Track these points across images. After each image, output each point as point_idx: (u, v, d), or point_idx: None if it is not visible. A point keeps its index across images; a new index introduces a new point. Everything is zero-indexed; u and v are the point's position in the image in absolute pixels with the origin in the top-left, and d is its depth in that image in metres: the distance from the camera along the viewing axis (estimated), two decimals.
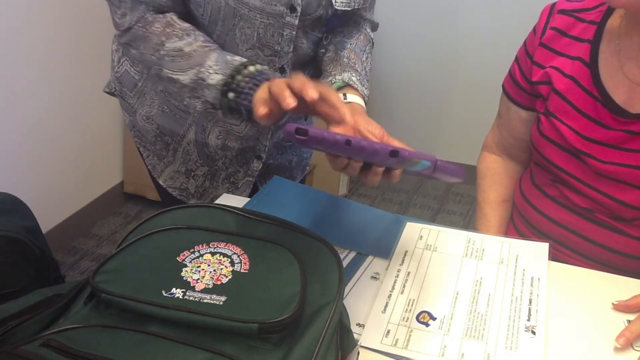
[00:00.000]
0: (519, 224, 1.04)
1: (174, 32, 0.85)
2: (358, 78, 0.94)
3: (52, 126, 2.01)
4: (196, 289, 0.58)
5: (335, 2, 0.93)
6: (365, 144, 0.58)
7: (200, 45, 0.84)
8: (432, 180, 2.58)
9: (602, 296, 0.76)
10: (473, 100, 2.53)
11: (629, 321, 0.72)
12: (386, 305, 0.74)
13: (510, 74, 1.02)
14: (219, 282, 0.59)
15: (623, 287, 0.77)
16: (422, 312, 0.73)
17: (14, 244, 1.12)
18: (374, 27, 1.07)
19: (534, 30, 0.97)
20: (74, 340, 0.53)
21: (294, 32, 0.92)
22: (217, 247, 0.65)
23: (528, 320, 0.71)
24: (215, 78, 0.80)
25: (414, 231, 0.88)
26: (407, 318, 0.72)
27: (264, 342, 0.55)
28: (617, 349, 0.68)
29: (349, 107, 0.89)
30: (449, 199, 2.54)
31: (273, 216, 0.73)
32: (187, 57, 0.83)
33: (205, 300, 0.57)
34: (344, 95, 0.91)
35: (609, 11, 0.89)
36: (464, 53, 2.49)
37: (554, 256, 0.84)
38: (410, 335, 0.70)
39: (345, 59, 0.97)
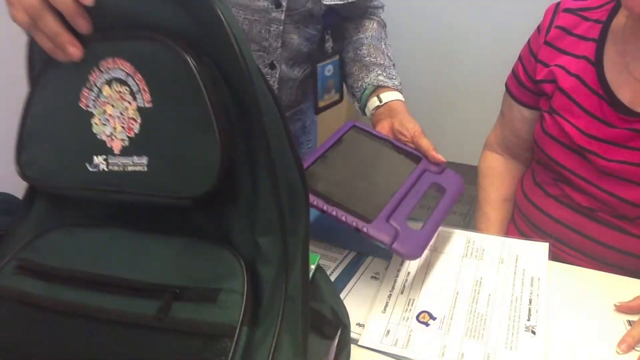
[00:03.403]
0: (520, 223, 1.03)
1: None
2: (385, 74, 0.95)
3: None
4: (115, 151, 0.52)
5: None
6: (335, 214, 0.72)
7: None
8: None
9: (602, 296, 0.76)
10: (474, 100, 2.53)
11: (629, 321, 0.72)
12: (386, 305, 0.74)
13: (514, 73, 1.02)
14: (131, 134, 0.52)
15: (623, 287, 0.77)
16: (422, 312, 0.73)
17: None
18: (382, 8, 1.07)
19: (538, 29, 0.96)
20: (42, 253, 0.52)
21: (281, 27, 0.91)
22: (108, 69, 0.54)
23: (528, 320, 0.71)
24: None
25: None
26: (407, 318, 0.72)
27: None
28: (618, 353, 0.68)
29: (387, 109, 0.92)
30: None
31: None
32: None
33: (129, 168, 0.51)
34: (379, 98, 0.93)
35: (614, 10, 0.89)
36: (465, 52, 2.49)
37: (556, 255, 0.84)
38: (410, 335, 0.69)
39: (366, 58, 0.97)
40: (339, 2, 0.94)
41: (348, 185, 0.78)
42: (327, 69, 1.01)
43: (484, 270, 0.80)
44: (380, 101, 0.94)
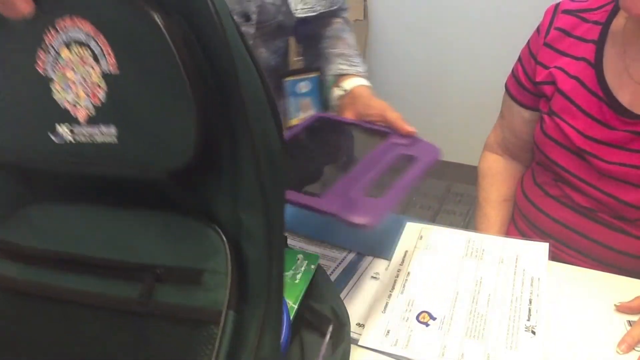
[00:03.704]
0: (520, 224, 1.04)
1: None
2: (347, 62, 0.92)
3: None
4: (80, 121, 0.49)
5: (296, 10, 0.90)
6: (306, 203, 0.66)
7: None
8: (432, 180, 2.58)
9: (602, 296, 0.76)
10: (474, 101, 2.53)
11: (629, 322, 0.72)
12: (386, 305, 0.74)
13: (514, 74, 1.02)
14: (97, 103, 0.48)
15: (623, 287, 0.77)
16: (422, 312, 0.73)
17: None
18: (346, 10, 1.04)
19: (538, 30, 0.96)
20: (18, 232, 0.50)
21: (251, 42, 0.89)
22: (66, 28, 0.49)
23: (528, 320, 0.71)
24: None
25: (414, 231, 0.88)
26: (407, 318, 0.72)
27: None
28: (618, 353, 0.68)
29: (350, 97, 0.88)
30: (449, 199, 2.54)
31: None
32: None
33: (97, 139, 0.48)
34: (341, 87, 0.90)
35: (614, 12, 0.89)
36: (465, 52, 2.49)
37: (556, 255, 0.84)
38: (410, 335, 0.70)
39: (327, 50, 0.95)
40: (311, 14, 0.92)
41: (302, 169, 0.75)
42: (300, 85, 0.97)
43: (484, 270, 0.80)
44: (343, 89, 0.89)
